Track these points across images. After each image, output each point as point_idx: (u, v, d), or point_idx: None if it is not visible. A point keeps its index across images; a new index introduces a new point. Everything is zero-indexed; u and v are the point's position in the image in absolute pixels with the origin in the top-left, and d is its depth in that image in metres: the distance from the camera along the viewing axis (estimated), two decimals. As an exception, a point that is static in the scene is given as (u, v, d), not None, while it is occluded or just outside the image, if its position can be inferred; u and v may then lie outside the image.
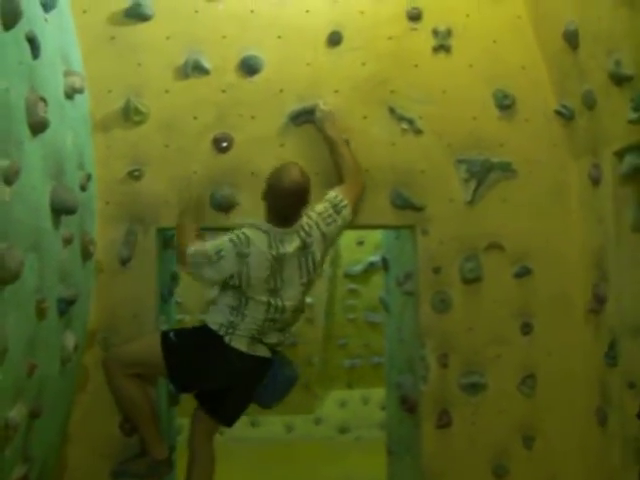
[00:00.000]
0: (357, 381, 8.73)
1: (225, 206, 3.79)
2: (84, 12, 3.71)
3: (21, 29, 2.64)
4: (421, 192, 3.88)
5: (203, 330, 3.58)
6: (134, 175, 3.76)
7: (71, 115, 3.34)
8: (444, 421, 3.85)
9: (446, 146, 3.92)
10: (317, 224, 3.57)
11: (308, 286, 3.60)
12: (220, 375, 3.54)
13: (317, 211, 3.60)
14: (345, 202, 3.64)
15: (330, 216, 3.61)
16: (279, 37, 3.86)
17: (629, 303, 3.53)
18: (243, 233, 3.46)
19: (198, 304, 8.30)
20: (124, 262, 3.74)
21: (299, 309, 3.65)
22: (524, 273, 3.92)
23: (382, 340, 4.87)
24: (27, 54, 2.74)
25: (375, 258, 7.50)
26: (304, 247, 3.51)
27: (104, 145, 3.76)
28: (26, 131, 2.70)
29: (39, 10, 2.99)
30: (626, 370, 3.51)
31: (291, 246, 3.48)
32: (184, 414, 5.79)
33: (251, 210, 3.80)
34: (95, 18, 3.76)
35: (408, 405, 4.05)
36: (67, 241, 3.18)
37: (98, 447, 3.70)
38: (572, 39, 3.60)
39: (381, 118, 3.89)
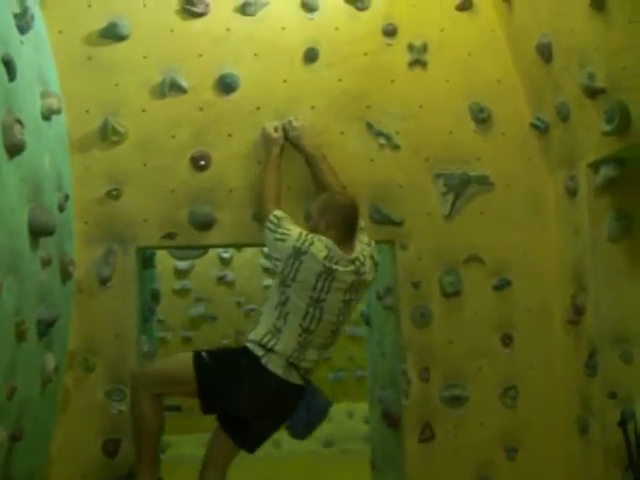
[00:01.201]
0: (341, 394, 8.72)
1: (204, 224, 3.79)
2: (60, 33, 3.72)
3: (-4, 52, 2.65)
4: (399, 207, 3.90)
5: (240, 352, 3.51)
6: (112, 194, 3.76)
7: (48, 136, 3.34)
8: (427, 435, 3.85)
9: (423, 160, 3.94)
10: (371, 255, 3.58)
11: (349, 305, 3.52)
12: (252, 399, 3.46)
13: (366, 242, 3.61)
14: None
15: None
16: (255, 55, 3.88)
17: (607, 313, 3.57)
18: (311, 237, 3.44)
19: (180, 322, 8.31)
20: (104, 282, 3.73)
21: (337, 328, 3.55)
22: (503, 285, 3.95)
23: (365, 353, 4.87)
24: (3, 77, 2.74)
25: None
26: (357, 273, 3.47)
27: (82, 165, 3.75)
28: (3, 154, 2.69)
29: (15, 32, 2.99)
30: (606, 379, 3.54)
31: (345, 269, 3.43)
32: (171, 431, 5.79)
33: (230, 228, 3.81)
34: (71, 38, 3.77)
35: (390, 420, 4.05)
36: (46, 262, 3.17)
37: (81, 468, 3.67)
38: (545, 52, 3.64)
39: (358, 133, 3.91)
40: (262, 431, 3.61)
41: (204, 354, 3.55)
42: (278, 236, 3.46)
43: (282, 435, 8.44)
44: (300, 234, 3.43)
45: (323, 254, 3.39)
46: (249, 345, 3.48)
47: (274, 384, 3.43)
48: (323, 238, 3.44)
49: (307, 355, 3.47)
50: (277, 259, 3.46)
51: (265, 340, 3.43)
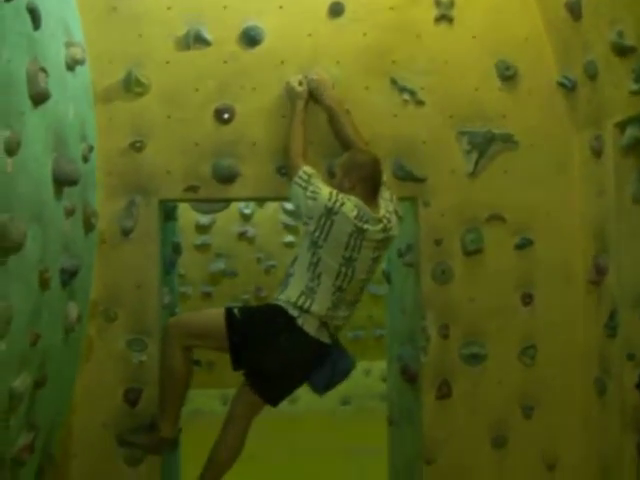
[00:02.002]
0: (360, 353, 8.75)
1: (227, 177, 3.79)
2: (85, -18, 3.71)
3: (22, 0, 2.63)
4: (423, 163, 3.88)
5: (274, 311, 3.55)
6: (136, 146, 3.76)
7: (72, 86, 3.33)
8: (444, 392, 3.87)
9: (448, 117, 3.91)
10: (395, 211, 3.63)
11: (377, 261, 3.60)
12: (284, 357, 3.51)
13: (388, 198, 3.64)
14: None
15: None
16: (280, 7, 3.84)
17: (629, 274, 3.55)
18: (342, 196, 3.46)
19: (200, 277, 8.36)
20: (126, 233, 3.75)
21: (365, 285, 3.63)
22: (525, 244, 3.94)
23: (385, 312, 4.88)
24: (28, 25, 2.73)
25: (377, 230, 7.51)
26: (384, 231, 3.52)
27: (106, 117, 3.75)
28: (27, 102, 2.69)
29: (40, -20, 2.98)
30: (625, 341, 3.54)
31: (374, 228, 3.48)
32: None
33: (253, 181, 3.82)
34: (96, -12, 3.75)
35: (409, 376, 4.07)
36: (69, 212, 3.19)
37: (102, 416, 3.73)
38: (575, 10, 3.59)
39: (383, 89, 3.88)
40: (288, 387, 3.69)
41: (236, 311, 3.60)
42: (309, 194, 3.47)
43: (299, 392, 8.52)
44: (331, 193, 3.45)
45: (354, 213, 3.42)
46: (283, 305, 3.51)
47: (307, 344, 3.50)
48: (352, 197, 3.47)
49: (339, 313, 3.54)
50: (309, 218, 3.47)
51: (300, 301, 3.47)
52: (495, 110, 3.93)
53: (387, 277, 4.69)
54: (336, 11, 3.85)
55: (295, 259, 3.61)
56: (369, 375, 8.80)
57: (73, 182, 3.12)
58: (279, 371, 3.57)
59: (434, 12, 3.90)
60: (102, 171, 3.74)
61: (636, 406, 3.47)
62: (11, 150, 2.49)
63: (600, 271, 3.71)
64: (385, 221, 3.53)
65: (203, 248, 8.35)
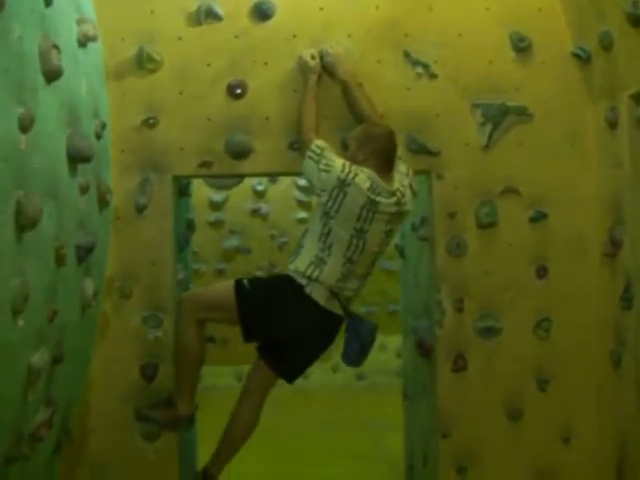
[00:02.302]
0: (373, 328, 8.79)
1: (240, 152, 3.79)
2: (95, -42, 3.69)
3: (33, -24, 2.63)
4: (436, 137, 3.86)
5: (283, 280, 3.59)
6: (149, 123, 3.76)
7: (85, 63, 3.33)
8: (459, 365, 3.88)
9: (461, 90, 3.88)
10: (410, 185, 3.63)
11: (389, 235, 3.61)
12: (293, 326, 3.55)
13: (404, 171, 3.63)
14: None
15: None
16: (293, -17, 3.82)
17: (645, 246, 3.54)
18: (355, 168, 3.46)
19: (214, 254, 8.39)
20: (140, 210, 3.76)
21: (377, 258, 3.64)
22: (540, 217, 3.92)
23: (398, 288, 4.89)
24: (39, 2, 2.73)
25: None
26: (398, 204, 3.53)
27: (118, 93, 3.75)
28: (40, 79, 2.70)
29: (51, -43, 2.97)
30: (641, 313, 3.53)
31: (387, 200, 3.48)
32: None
33: (266, 156, 3.81)
34: (107, -35, 3.74)
35: (424, 349, 4.08)
36: (84, 189, 3.20)
37: (119, 392, 3.76)
38: (589, -20, 3.55)
39: (395, 62, 3.85)
40: (301, 361, 3.70)
41: (245, 281, 3.62)
42: (322, 167, 3.46)
43: (312, 367, 8.58)
44: (344, 165, 3.45)
45: (367, 185, 3.43)
46: (292, 274, 3.52)
47: (316, 312, 3.51)
48: (365, 169, 3.47)
49: (348, 284, 3.55)
50: (321, 190, 3.47)
51: (309, 271, 3.49)
52: (509, 82, 3.90)
53: (401, 251, 4.69)
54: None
55: (306, 230, 3.62)
56: (384, 350, 8.80)
57: (87, 159, 3.12)
58: (289, 341, 3.59)
59: (447, -16, 3.87)
60: (115, 148, 3.74)
61: (652, 378, 3.47)
62: (25, 127, 2.50)
63: (615, 244, 3.69)
64: (399, 194, 3.53)
65: (216, 225, 8.37)
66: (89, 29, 3.35)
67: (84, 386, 3.62)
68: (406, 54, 3.85)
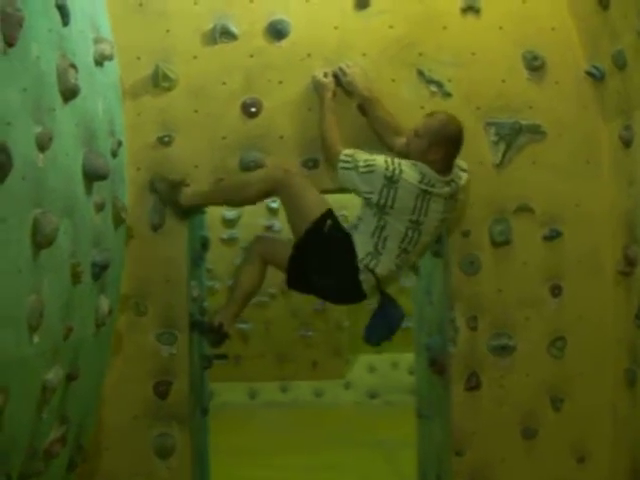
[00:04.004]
0: (386, 345, 8.73)
1: (254, 170, 3.80)
2: (112, -22, 3.73)
3: (51, -4, 2.66)
4: (450, 155, 3.87)
5: (352, 250, 3.55)
6: (164, 141, 3.79)
7: (101, 82, 3.36)
8: (473, 383, 3.87)
9: (475, 109, 3.89)
10: (462, 168, 3.64)
11: (443, 222, 3.61)
12: (329, 285, 3.64)
13: (464, 167, 3.65)
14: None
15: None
16: (306, 1, 3.84)
17: (660, 265, 3.53)
18: (398, 162, 3.47)
19: (228, 271, 8.38)
20: (155, 228, 3.79)
21: (430, 245, 3.72)
22: (554, 236, 3.91)
23: (411, 304, 4.89)
24: (57, 21, 2.75)
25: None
26: (452, 196, 3.55)
27: (134, 112, 3.79)
28: (58, 98, 2.72)
29: (68, -23, 3.00)
30: (656, 332, 3.52)
31: (441, 190, 3.49)
32: (216, 379, 5.89)
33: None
34: (123, -16, 3.78)
35: (437, 367, 4.07)
36: (99, 207, 3.22)
37: (133, 409, 3.78)
38: (603, -1, 3.56)
39: (409, 81, 3.87)
40: (314, 292, 3.80)
41: (329, 223, 3.60)
42: (362, 170, 3.47)
43: (324, 385, 8.56)
44: (386, 162, 3.45)
45: (417, 178, 3.44)
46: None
47: (355, 293, 3.59)
48: (417, 163, 3.47)
49: (399, 273, 3.64)
50: (369, 192, 3.47)
51: (366, 260, 3.53)
52: (522, 101, 3.91)
53: (414, 269, 4.69)
54: (362, 3, 3.85)
55: (354, 227, 3.60)
56: (396, 368, 8.81)
57: (103, 177, 3.14)
58: (318, 288, 3.69)
59: (460, 3, 3.89)
60: (131, 166, 3.77)
61: (667, 397, 3.45)
62: (43, 145, 2.51)
63: (630, 262, 3.68)
64: (453, 185, 3.55)
65: (230, 242, 8.39)
66: (106, 48, 3.37)
67: (98, 403, 3.63)
68: (420, 73, 3.87)
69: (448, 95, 3.88)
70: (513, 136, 3.89)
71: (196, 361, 4.04)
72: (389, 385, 8.73)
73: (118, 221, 3.53)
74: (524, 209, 3.90)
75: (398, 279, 3.75)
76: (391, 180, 3.41)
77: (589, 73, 3.85)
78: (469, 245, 3.89)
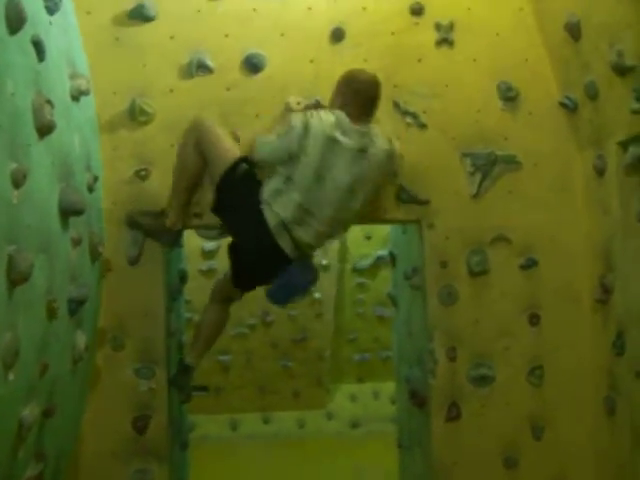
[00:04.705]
0: (367, 375, 8.77)
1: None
2: (88, 14, 3.73)
3: (26, 33, 2.65)
4: (426, 186, 3.90)
5: (258, 186, 3.57)
6: (140, 175, 3.79)
7: (78, 117, 3.36)
8: (453, 414, 3.86)
9: (450, 140, 3.93)
10: (386, 154, 3.59)
11: (353, 195, 3.53)
12: (243, 230, 3.60)
13: (388, 138, 3.62)
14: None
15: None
16: (282, 34, 3.88)
17: (635, 293, 3.53)
18: (313, 112, 3.51)
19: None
20: (132, 262, 3.77)
21: (338, 220, 3.58)
22: (530, 265, 3.94)
23: (391, 334, 4.89)
24: (32, 58, 2.75)
25: (383, 252, 7.54)
26: (362, 150, 3.50)
27: (110, 146, 3.78)
28: (33, 134, 2.71)
29: (43, 13, 3.00)
30: (633, 359, 3.52)
31: (350, 141, 3.47)
32: (197, 411, 5.85)
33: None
34: (99, 20, 3.78)
35: (417, 399, 4.07)
36: (76, 242, 3.21)
37: (111, 445, 3.73)
38: (574, 31, 3.61)
39: (385, 113, 3.88)
40: (253, 273, 3.73)
41: (242, 167, 3.59)
42: (281, 133, 3.51)
43: (306, 415, 8.51)
44: (303, 114, 3.48)
45: (331, 121, 3.45)
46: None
47: (265, 233, 3.51)
48: (335, 111, 3.51)
49: (300, 232, 3.52)
50: (287, 149, 3.47)
51: (267, 195, 3.52)
52: (497, 131, 3.95)
53: (393, 300, 4.70)
54: (337, 37, 3.89)
55: (269, 177, 3.59)
56: (378, 398, 8.78)
57: (79, 212, 3.13)
58: (238, 236, 3.67)
59: (434, 36, 3.94)
60: (107, 200, 3.76)
61: (646, 425, 3.46)
62: (17, 182, 2.50)
63: (606, 290, 3.70)
64: (367, 139, 3.51)
65: (209, 274, 8.35)
66: (82, 83, 3.38)
67: (75, 440, 3.59)
68: (395, 105, 3.91)
69: (424, 126, 3.91)
70: (489, 167, 3.92)
71: (175, 395, 4.00)
72: (371, 414, 8.69)
73: (95, 255, 3.52)
74: (501, 239, 3.93)
75: (311, 247, 3.61)
76: (306, 127, 3.44)
77: (562, 104, 3.90)
78: (447, 276, 3.90)
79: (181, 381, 3.80)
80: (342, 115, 3.49)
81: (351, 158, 3.47)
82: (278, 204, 3.49)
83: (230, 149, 3.64)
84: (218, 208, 3.66)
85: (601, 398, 3.79)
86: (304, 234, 3.52)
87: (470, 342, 3.90)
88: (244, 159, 3.60)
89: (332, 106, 3.58)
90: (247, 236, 3.59)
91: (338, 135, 3.44)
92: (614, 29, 3.30)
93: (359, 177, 3.51)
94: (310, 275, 3.67)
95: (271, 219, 3.49)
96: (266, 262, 3.59)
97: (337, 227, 3.64)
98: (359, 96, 3.55)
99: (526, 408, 3.92)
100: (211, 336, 3.89)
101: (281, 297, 3.70)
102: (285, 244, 3.52)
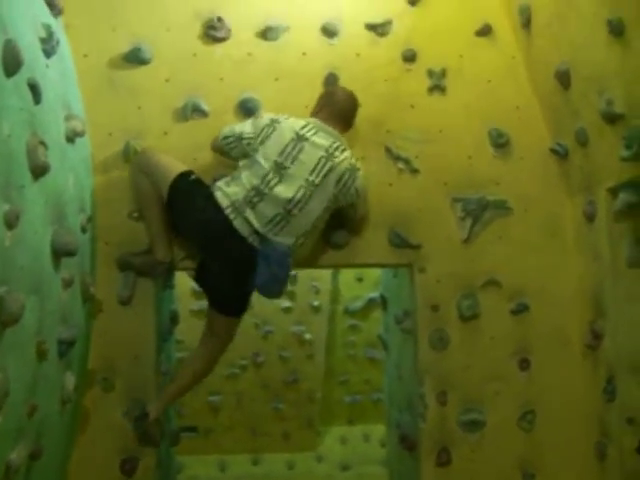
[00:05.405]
0: (358, 417, 8.72)
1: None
2: (85, 56, 3.79)
3: (23, 76, 2.68)
4: (418, 231, 3.92)
5: (203, 186, 3.59)
6: (133, 216, 3.80)
7: (72, 158, 3.38)
8: (444, 459, 3.84)
9: (442, 185, 3.96)
10: (350, 169, 3.57)
11: (310, 198, 3.49)
12: (199, 221, 3.52)
13: (354, 165, 3.62)
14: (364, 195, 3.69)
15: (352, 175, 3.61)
16: (276, 79, 3.92)
17: (626, 339, 3.55)
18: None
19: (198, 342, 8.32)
20: (124, 303, 3.76)
21: (289, 215, 3.48)
22: (521, 309, 3.95)
23: (383, 376, 4.88)
24: (29, 100, 2.78)
25: (375, 294, 7.54)
26: (328, 153, 3.53)
27: (104, 187, 3.79)
28: (27, 175, 2.73)
29: (41, 56, 3.04)
30: (624, 405, 3.52)
31: (319, 140, 3.53)
32: (186, 452, 5.81)
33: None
34: (96, 62, 3.83)
35: (408, 444, 4.05)
36: (67, 283, 3.20)
37: (99, 487, 3.70)
38: (564, 79, 3.66)
39: (378, 158, 3.94)
40: (232, 288, 3.62)
41: (191, 178, 3.60)
42: (253, 118, 3.62)
43: (296, 457, 8.44)
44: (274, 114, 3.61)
45: (301, 124, 3.55)
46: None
47: (216, 212, 3.48)
48: (307, 118, 3.62)
49: (251, 214, 3.47)
50: (251, 133, 3.55)
51: (219, 183, 3.56)
52: (489, 177, 3.99)
53: (384, 343, 4.70)
54: (331, 82, 3.93)
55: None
56: (368, 440, 8.71)
57: (72, 253, 3.13)
58: (200, 240, 3.58)
59: (427, 82, 3.99)
60: (100, 240, 3.77)
61: (636, 470, 3.44)
62: (10, 224, 2.51)
63: (596, 335, 3.71)
64: (335, 145, 3.54)
65: (200, 314, 8.32)
66: (77, 125, 3.41)
67: (63, 482, 3.56)
68: (388, 150, 3.95)
69: (416, 171, 3.95)
70: (480, 212, 3.95)
71: (165, 437, 3.98)
72: (361, 457, 8.61)
73: (86, 296, 3.52)
74: (491, 283, 3.94)
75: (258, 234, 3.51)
76: (273, 121, 3.54)
77: (553, 150, 3.94)
78: (438, 320, 3.91)
79: (138, 427, 3.64)
80: (315, 119, 3.60)
81: (318, 157, 3.51)
82: (231, 187, 3.51)
83: (172, 166, 3.64)
84: (176, 226, 3.67)
85: (592, 444, 3.78)
86: (255, 217, 3.47)
87: (461, 387, 3.89)
88: (189, 172, 3.62)
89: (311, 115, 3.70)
90: (204, 227, 3.52)
91: (307, 133, 3.52)
92: (603, 77, 3.35)
93: (321, 175, 3.51)
94: (281, 245, 3.51)
95: (223, 200, 3.48)
96: (230, 254, 3.51)
97: (291, 222, 3.50)
98: (334, 105, 3.66)
99: (517, 453, 3.90)
100: (185, 385, 3.74)
101: (271, 284, 3.54)
102: (240, 225, 3.47)
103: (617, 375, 3.56)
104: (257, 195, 3.47)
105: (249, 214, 3.46)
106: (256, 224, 3.47)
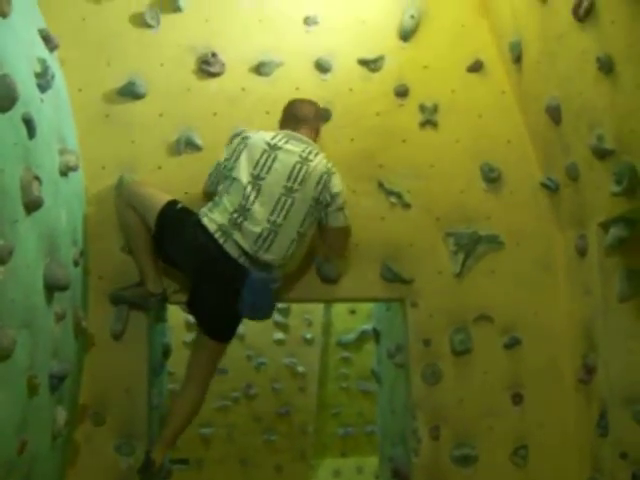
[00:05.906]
0: (351, 450, 8.66)
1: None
2: (79, 91, 3.81)
3: (17, 111, 2.69)
4: (410, 265, 3.93)
5: (191, 214, 3.61)
6: (126, 250, 3.80)
7: (65, 192, 3.38)
8: (437, 494, 3.83)
9: (434, 219, 3.98)
10: (326, 172, 3.60)
11: (290, 205, 3.52)
12: (189, 248, 3.53)
13: (330, 168, 3.64)
14: (340, 202, 3.66)
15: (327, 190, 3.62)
16: (267, 113, 3.95)
17: (618, 373, 3.55)
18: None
19: (191, 374, 8.27)
20: (116, 337, 3.75)
21: (276, 225, 3.50)
22: (513, 344, 3.95)
23: (375, 408, 4.87)
24: (23, 135, 2.79)
25: (367, 326, 7.52)
26: (302, 158, 3.57)
27: (97, 220, 3.80)
28: (20, 210, 2.73)
29: (35, 91, 3.06)
30: (617, 440, 3.51)
31: (292, 147, 3.58)
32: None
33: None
34: (90, 96, 3.85)
35: (400, 477, 4.03)
36: (60, 317, 3.19)
37: (90, 524, 3.66)
38: (555, 114, 3.69)
39: (370, 192, 3.96)
40: (219, 311, 3.60)
41: (175, 207, 3.63)
42: (224, 149, 3.68)
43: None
44: (238, 133, 3.70)
45: (271, 135, 3.61)
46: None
47: (206, 238, 3.49)
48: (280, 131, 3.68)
49: (238, 235, 3.48)
50: (228, 158, 3.62)
51: (205, 209, 3.58)
52: (480, 211, 4.01)
53: (377, 377, 4.68)
54: (324, 117, 3.95)
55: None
56: (361, 472, 8.66)
57: (64, 287, 3.13)
58: (189, 267, 3.60)
59: (419, 117, 4.03)
60: (93, 275, 3.76)
61: (630, 506, 3.43)
62: (3, 258, 2.51)
63: (589, 370, 3.71)
64: (307, 150, 3.59)
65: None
66: (71, 159, 3.41)
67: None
68: (380, 184, 3.97)
69: (407, 206, 3.97)
70: (472, 246, 3.96)
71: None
72: (354, 490, 8.56)
73: (78, 330, 3.51)
74: (484, 318, 3.95)
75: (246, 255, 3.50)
76: (244, 138, 3.59)
77: (544, 184, 3.96)
78: (430, 354, 3.90)
79: (144, 476, 3.55)
80: (281, 131, 3.67)
81: (293, 163, 3.55)
82: (215, 213, 3.52)
83: (158, 196, 3.67)
84: (165, 257, 3.69)
85: (585, 478, 3.76)
86: (243, 238, 3.48)
87: (453, 421, 3.87)
88: (175, 201, 3.65)
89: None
90: (197, 251, 3.52)
91: (279, 142, 3.58)
92: (594, 113, 3.38)
93: (299, 180, 3.55)
94: (270, 271, 3.55)
95: (210, 225, 3.50)
96: (222, 276, 3.52)
97: (279, 233, 3.51)
98: (294, 113, 3.74)
99: (510, 489, 3.89)
100: (180, 426, 3.67)
101: (251, 309, 3.55)
102: (230, 247, 3.48)
103: (610, 409, 3.55)
104: (240, 215, 3.49)
105: (237, 236, 3.49)
106: (245, 246, 3.49)
